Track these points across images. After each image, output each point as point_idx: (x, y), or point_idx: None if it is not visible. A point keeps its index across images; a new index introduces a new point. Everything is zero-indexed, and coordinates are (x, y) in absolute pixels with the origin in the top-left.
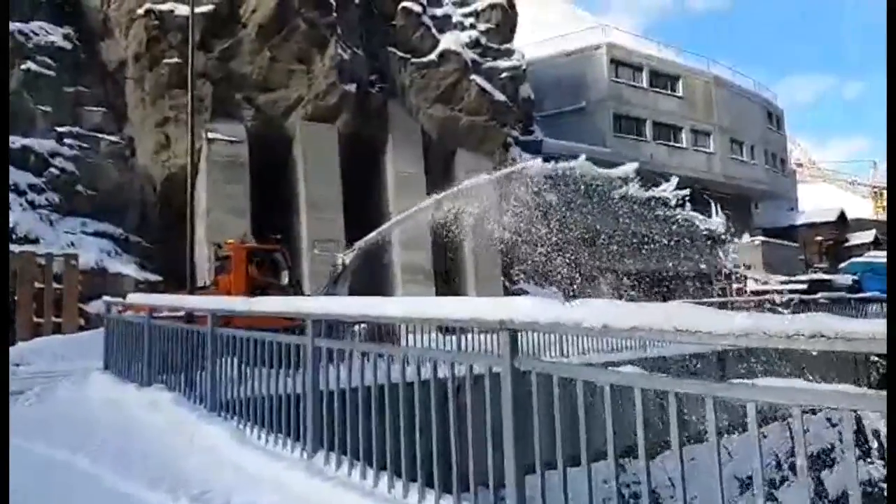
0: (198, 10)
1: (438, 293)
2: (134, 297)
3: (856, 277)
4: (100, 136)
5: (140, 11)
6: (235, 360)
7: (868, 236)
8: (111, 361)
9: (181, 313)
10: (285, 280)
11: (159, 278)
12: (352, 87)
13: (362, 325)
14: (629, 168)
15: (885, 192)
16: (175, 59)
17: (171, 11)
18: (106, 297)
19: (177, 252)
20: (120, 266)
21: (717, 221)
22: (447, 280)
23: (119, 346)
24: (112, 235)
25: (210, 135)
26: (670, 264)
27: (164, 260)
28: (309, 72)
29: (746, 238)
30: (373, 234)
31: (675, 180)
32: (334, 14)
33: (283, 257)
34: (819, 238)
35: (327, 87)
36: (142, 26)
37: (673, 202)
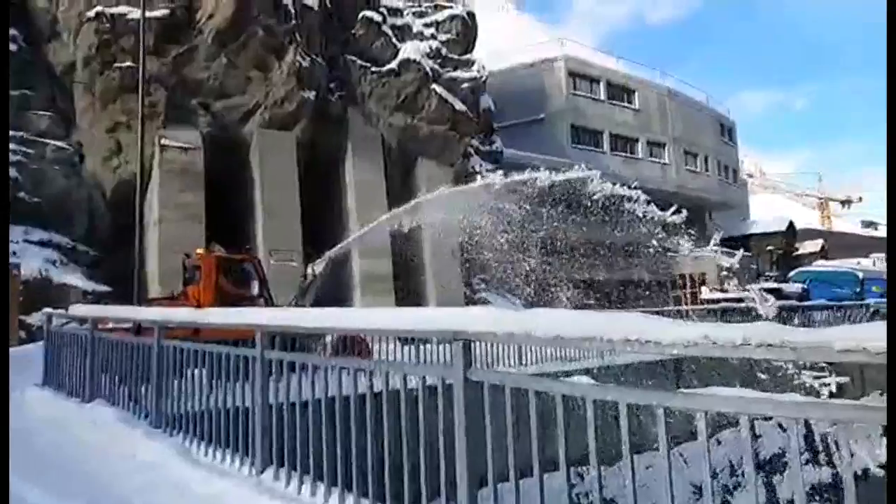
0: (152, 14)
1: (399, 302)
2: (77, 309)
3: (804, 286)
4: (46, 141)
5: (91, 14)
6: (201, 373)
7: (815, 246)
8: (51, 376)
9: (128, 325)
10: (256, 290)
11: (108, 289)
12: (310, 95)
13: (333, 336)
14: (592, 173)
15: (829, 202)
16: (127, 64)
17: (124, 15)
18: (46, 309)
19: (128, 262)
20: (66, 276)
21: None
22: (407, 289)
23: (59, 359)
24: (58, 244)
25: (164, 141)
26: (628, 273)
27: (114, 270)
28: (267, 78)
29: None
30: (343, 242)
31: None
32: (293, 21)
33: (255, 267)
34: (770, 247)
35: (286, 93)
36: (92, 29)
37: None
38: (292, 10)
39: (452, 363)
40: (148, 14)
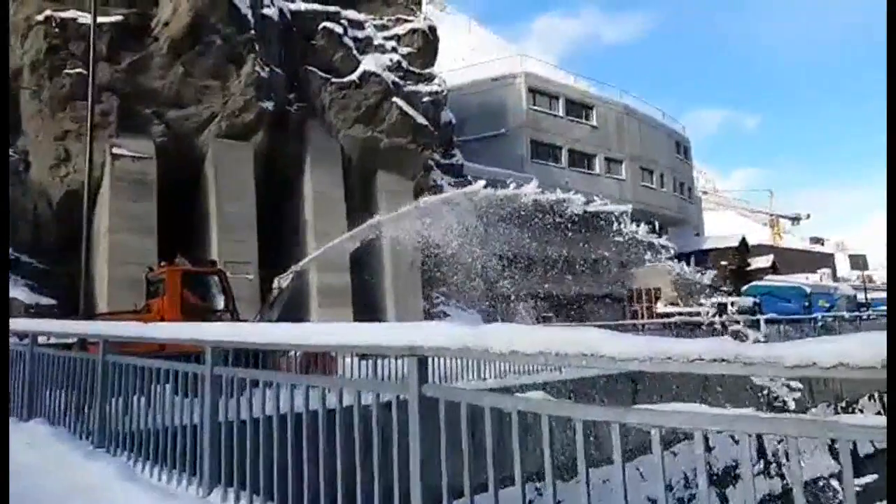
0: (105, 19)
1: (356, 315)
2: (16, 323)
3: (756, 300)
4: None
5: (39, 18)
6: (164, 389)
7: (767, 261)
8: None
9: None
10: (221, 304)
11: (53, 302)
12: (269, 105)
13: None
14: (531, 186)
15: (780, 219)
16: (77, 70)
17: (74, 20)
18: None
19: (75, 274)
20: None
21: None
22: (366, 302)
23: None
24: None
25: (115, 150)
26: (586, 287)
27: (59, 282)
28: (224, 88)
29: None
30: (310, 256)
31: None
32: (252, 31)
33: (221, 280)
34: (723, 262)
35: (243, 104)
36: (41, 33)
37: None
38: (251, 20)
39: (407, 379)
40: (100, 20)
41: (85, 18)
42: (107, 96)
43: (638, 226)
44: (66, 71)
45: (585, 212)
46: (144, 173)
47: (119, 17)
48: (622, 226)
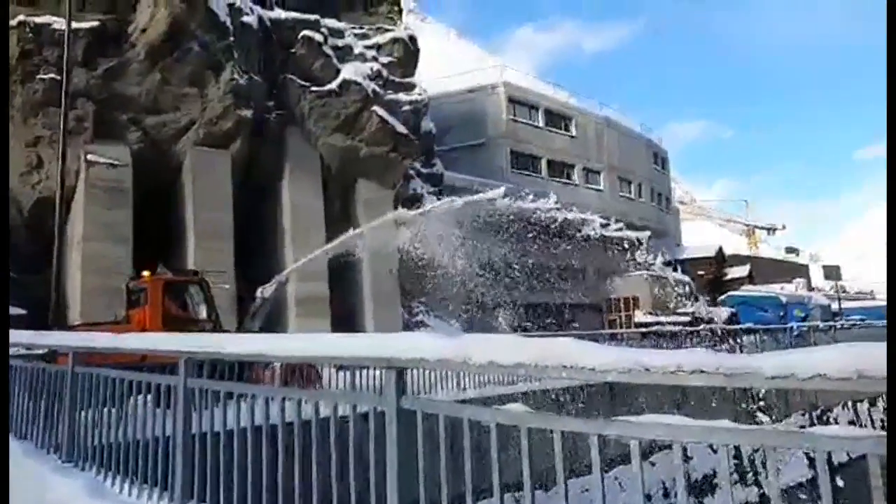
0: (81, 25)
1: (335, 325)
2: None
3: (733, 310)
4: None
5: (13, 23)
6: (145, 400)
7: (743, 271)
8: None
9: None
10: (204, 314)
11: (23, 312)
12: (248, 113)
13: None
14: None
15: (756, 229)
16: (51, 76)
17: (49, 24)
18: None
19: (46, 283)
20: None
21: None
22: (344, 311)
23: None
24: None
25: (90, 157)
26: (565, 296)
27: (30, 292)
28: (202, 95)
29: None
30: (295, 265)
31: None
32: (231, 38)
33: (203, 290)
34: (700, 272)
35: (222, 111)
36: (14, 38)
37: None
38: (230, 27)
39: (385, 391)
40: (76, 25)
41: (60, 24)
42: (82, 102)
43: (640, 244)
44: (40, 76)
45: (603, 236)
46: (120, 181)
47: (95, 23)
48: (638, 251)
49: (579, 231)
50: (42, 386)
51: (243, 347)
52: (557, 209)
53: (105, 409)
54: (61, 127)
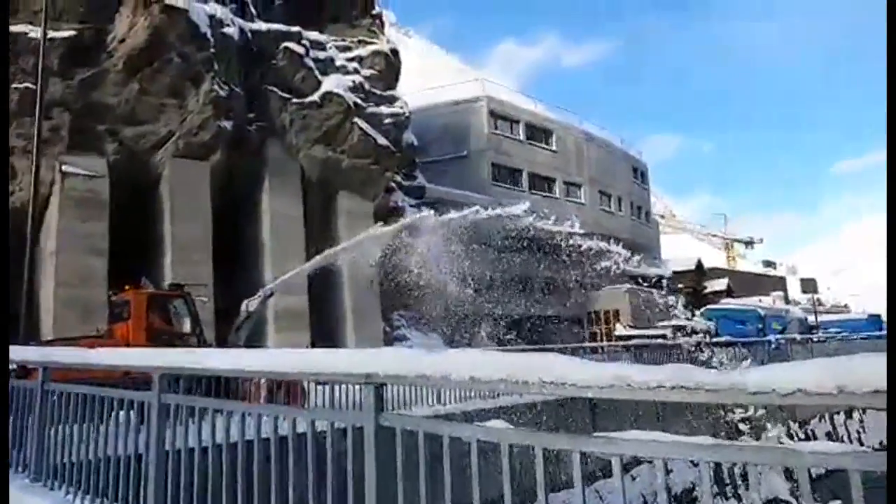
0: (58, 34)
1: (315, 339)
2: None
3: (712, 323)
4: None
5: None
6: (128, 417)
7: (722, 284)
8: None
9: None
10: (188, 328)
11: None
12: (227, 125)
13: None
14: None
15: (735, 244)
16: (26, 85)
17: (25, 34)
18: None
19: (16, 297)
20: None
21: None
22: (324, 325)
23: None
24: None
25: (65, 168)
26: (546, 309)
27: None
28: (181, 106)
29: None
30: (278, 280)
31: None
32: (211, 49)
33: (187, 304)
34: (680, 285)
35: (201, 122)
36: None
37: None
38: (210, 39)
39: (363, 408)
40: (53, 34)
41: (36, 32)
42: (58, 112)
43: (631, 257)
44: (14, 85)
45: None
46: (96, 192)
47: (72, 32)
48: (630, 264)
49: (573, 244)
50: (10, 402)
51: (219, 363)
52: (577, 232)
53: (76, 427)
54: (35, 137)
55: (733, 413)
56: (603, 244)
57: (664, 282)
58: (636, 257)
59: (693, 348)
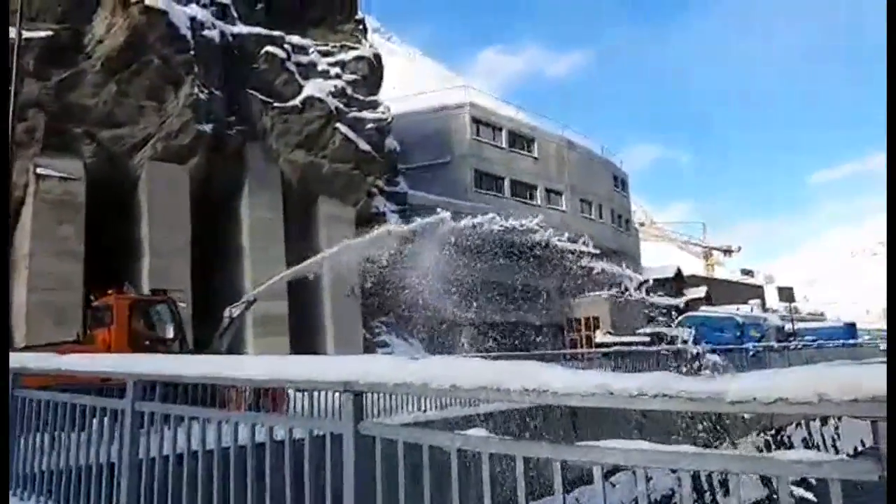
0: (34, 34)
1: (294, 345)
2: None
3: (691, 330)
4: None
5: None
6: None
7: (701, 292)
8: None
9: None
10: (171, 333)
11: None
12: (207, 128)
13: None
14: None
15: (714, 252)
16: None
17: None
18: None
19: None
20: None
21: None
22: (304, 331)
23: None
24: None
25: (40, 170)
26: (526, 316)
27: None
28: (161, 109)
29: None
30: (264, 285)
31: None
32: (191, 52)
33: (171, 309)
34: (660, 293)
35: (180, 125)
36: None
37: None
38: (191, 41)
39: (342, 416)
40: (28, 34)
41: (10, 32)
42: (33, 113)
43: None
44: None
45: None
46: (72, 194)
47: (49, 32)
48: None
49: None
50: None
51: (196, 370)
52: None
53: (47, 434)
54: (9, 136)
55: (710, 422)
56: (598, 257)
57: (644, 289)
58: (616, 268)
59: (675, 356)
